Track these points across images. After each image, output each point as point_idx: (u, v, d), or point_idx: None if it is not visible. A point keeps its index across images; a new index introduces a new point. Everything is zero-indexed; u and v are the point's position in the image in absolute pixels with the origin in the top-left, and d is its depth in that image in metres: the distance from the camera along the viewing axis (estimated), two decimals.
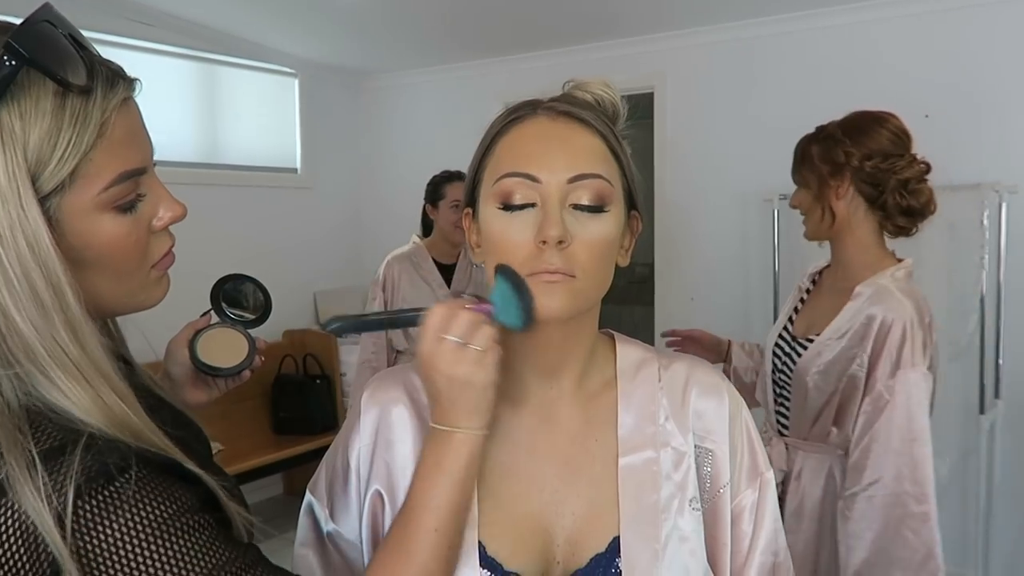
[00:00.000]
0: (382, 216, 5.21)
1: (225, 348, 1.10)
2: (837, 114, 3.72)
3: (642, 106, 4.15)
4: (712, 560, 0.87)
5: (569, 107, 0.85)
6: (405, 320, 0.81)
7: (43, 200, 0.69)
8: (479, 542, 0.83)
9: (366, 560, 0.88)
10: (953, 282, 3.30)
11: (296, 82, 4.90)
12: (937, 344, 1.86)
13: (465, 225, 0.91)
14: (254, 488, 4.26)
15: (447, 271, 3.21)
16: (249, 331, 1.15)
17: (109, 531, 0.65)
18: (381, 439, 0.89)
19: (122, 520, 0.66)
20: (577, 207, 0.81)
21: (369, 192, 5.31)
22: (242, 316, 1.15)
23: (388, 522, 0.86)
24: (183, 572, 0.67)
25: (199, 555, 0.68)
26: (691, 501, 0.86)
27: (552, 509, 0.85)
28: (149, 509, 0.67)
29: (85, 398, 0.69)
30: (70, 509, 0.64)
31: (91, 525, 0.65)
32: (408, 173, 5.18)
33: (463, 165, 0.90)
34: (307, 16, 3.97)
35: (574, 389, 0.90)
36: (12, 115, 0.67)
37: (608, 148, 0.85)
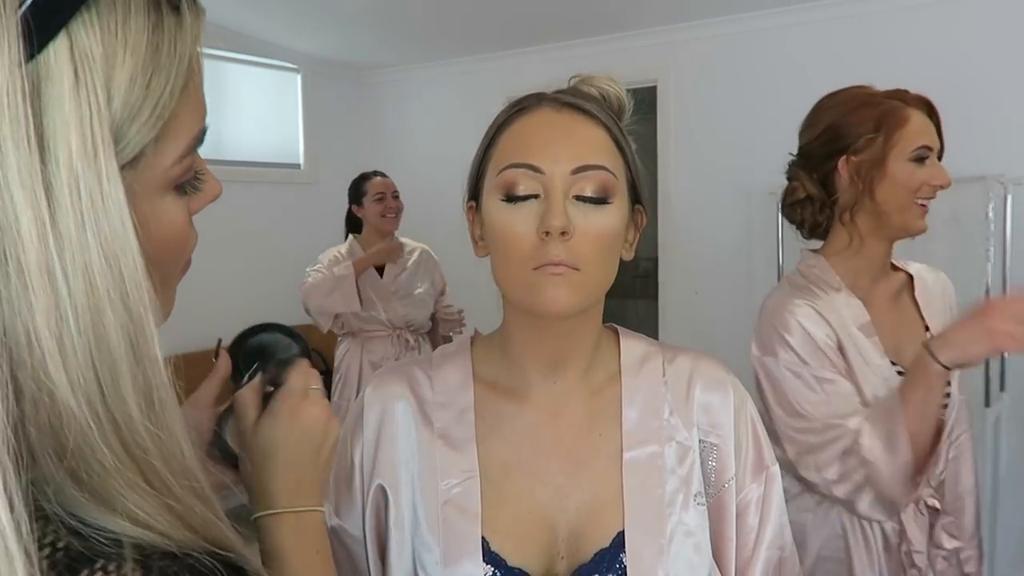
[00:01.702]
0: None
1: None
2: None
3: (646, 100, 4.14)
4: (717, 555, 0.87)
5: (573, 99, 0.84)
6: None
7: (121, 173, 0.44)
8: (482, 537, 0.83)
9: (369, 555, 0.88)
10: (958, 275, 3.26)
11: (299, 78, 4.89)
12: None
13: (469, 219, 0.90)
14: None
15: (379, 267, 3.44)
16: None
17: None
18: (384, 435, 0.89)
19: None
20: (581, 198, 0.80)
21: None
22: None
23: (391, 516, 0.86)
24: None
25: None
26: (696, 496, 0.85)
27: (556, 504, 0.85)
28: None
29: (162, 514, 0.43)
30: None
31: None
32: (411, 168, 5.18)
33: (466, 159, 0.90)
34: (310, 12, 3.97)
35: (578, 384, 0.89)
36: (91, 36, 0.42)
37: (612, 140, 0.84)
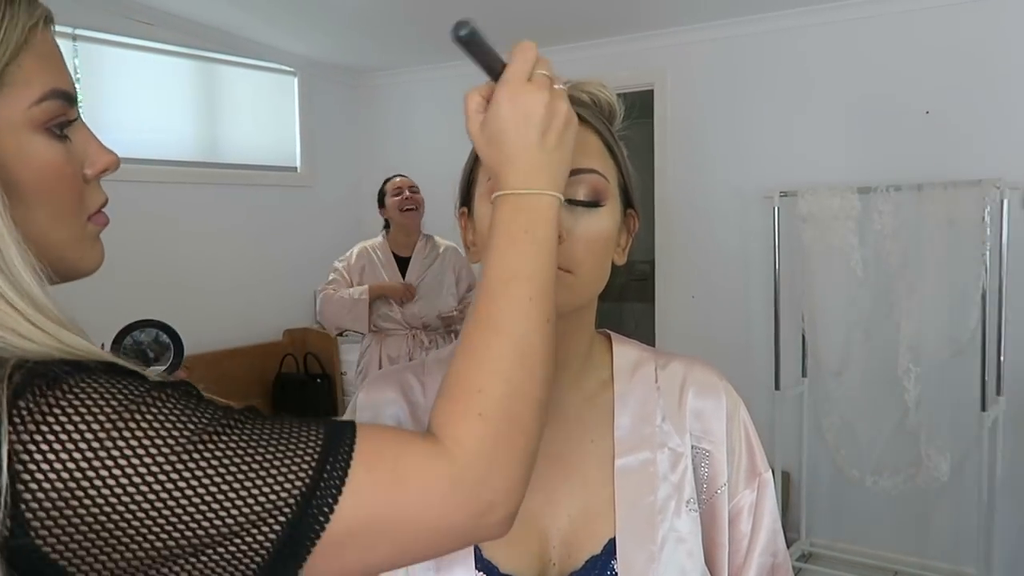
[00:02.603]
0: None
1: None
2: (837, 110, 3.75)
3: (642, 103, 4.14)
4: (710, 561, 0.87)
5: None
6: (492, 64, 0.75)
7: None
8: (474, 545, 0.83)
9: None
10: (954, 279, 3.29)
11: (295, 80, 4.89)
12: None
13: (461, 225, 0.90)
14: None
15: (403, 262, 3.66)
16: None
17: (59, 424, 0.53)
18: None
19: (77, 406, 0.54)
20: (573, 202, 0.80)
21: (369, 190, 5.28)
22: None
23: None
24: (164, 439, 0.55)
25: (177, 419, 0.57)
26: (688, 502, 0.85)
27: (548, 510, 0.85)
28: (110, 391, 0.56)
29: (26, 329, 0.59)
30: (5, 420, 0.52)
31: (34, 420, 0.53)
32: (408, 170, 5.17)
33: (463, 162, 0.90)
34: (306, 14, 3.97)
35: (570, 390, 0.89)
36: None
37: (604, 144, 0.85)
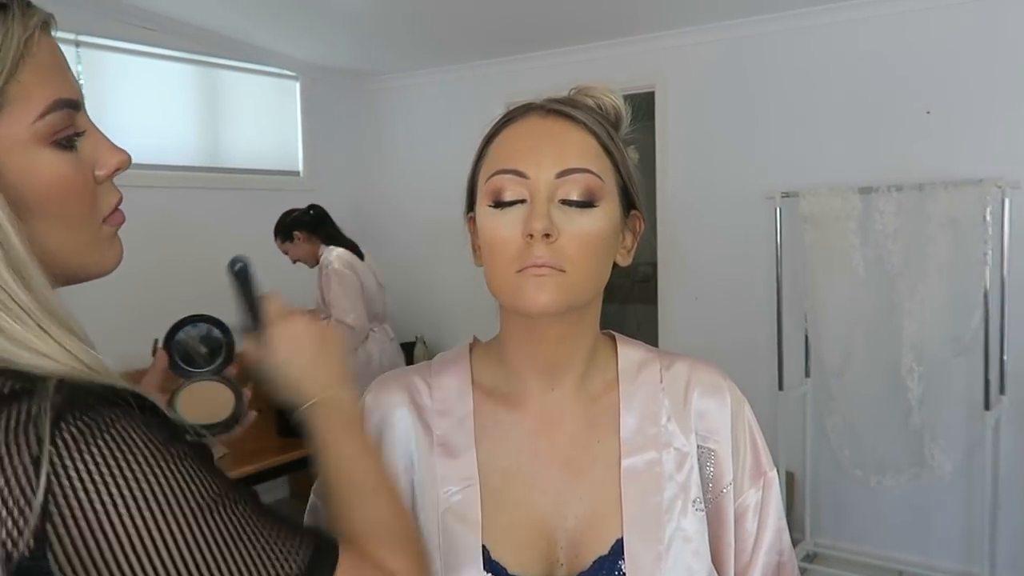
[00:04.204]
0: (385, 218, 5.22)
1: (208, 402, 0.95)
2: (838, 111, 3.75)
3: (644, 105, 4.15)
4: (716, 560, 0.87)
5: (560, 106, 0.85)
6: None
7: None
8: (482, 546, 0.83)
9: None
10: (956, 278, 3.29)
11: (298, 85, 4.90)
12: None
13: (469, 230, 0.91)
14: (259, 491, 4.27)
15: None
16: (234, 380, 0.97)
17: (101, 457, 0.56)
18: (384, 442, 0.90)
19: (119, 443, 0.57)
20: (566, 202, 0.81)
21: (372, 194, 5.31)
22: (204, 367, 0.96)
23: None
24: (182, 498, 0.59)
25: (193, 482, 0.61)
26: (694, 502, 0.86)
27: (555, 511, 0.86)
28: (147, 436, 0.59)
29: (44, 344, 0.61)
30: (47, 439, 0.55)
31: (77, 447, 0.56)
32: (411, 175, 5.19)
33: (466, 165, 0.91)
34: (308, 19, 3.98)
35: (575, 391, 0.90)
36: None
37: (600, 145, 0.85)
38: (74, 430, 0.56)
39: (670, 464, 0.86)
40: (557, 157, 0.81)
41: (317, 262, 3.94)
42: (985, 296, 3.22)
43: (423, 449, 0.88)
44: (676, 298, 4.25)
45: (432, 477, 0.87)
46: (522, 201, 0.81)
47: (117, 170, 0.72)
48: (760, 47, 3.89)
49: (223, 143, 4.49)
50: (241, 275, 0.86)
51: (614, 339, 0.96)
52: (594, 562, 0.83)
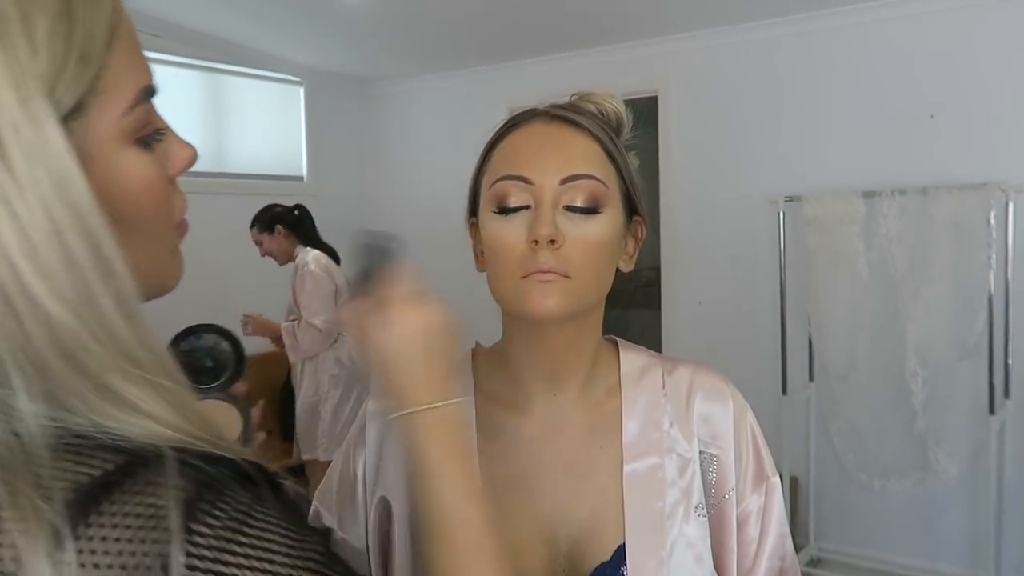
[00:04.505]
0: (389, 223, 5.22)
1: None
2: (842, 115, 3.75)
3: (647, 110, 4.15)
4: (718, 566, 0.87)
5: (564, 111, 0.86)
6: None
7: (63, 123, 0.48)
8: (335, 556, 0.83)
9: (373, 568, 0.89)
10: (960, 282, 3.29)
11: (301, 90, 4.91)
12: None
13: (472, 236, 0.91)
14: None
15: None
16: (242, 398, 0.89)
17: (236, 552, 0.46)
18: (387, 449, 0.90)
19: (252, 537, 0.47)
20: (570, 208, 0.81)
21: (376, 199, 5.32)
22: (209, 383, 0.87)
23: (395, 530, 0.86)
24: None
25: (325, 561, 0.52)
26: (696, 507, 0.86)
27: (557, 516, 0.86)
28: (277, 526, 0.49)
29: (153, 403, 0.49)
30: (180, 539, 0.44)
31: (216, 547, 0.45)
32: (414, 179, 5.20)
33: (469, 170, 0.91)
34: (312, 24, 3.99)
35: (578, 396, 0.90)
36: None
37: (604, 151, 0.85)
38: (212, 524, 0.46)
39: (672, 470, 0.86)
40: (562, 163, 0.82)
41: (288, 260, 3.96)
42: (989, 300, 3.21)
43: None
44: (680, 303, 4.25)
45: None
46: (527, 207, 0.81)
47: (187, 167, 0.63)
48: (763, 52, 3.89)
49: (227, 148, 4.50)
50: (380, 253, 0.73)
51: (616, 344, 0.96)
52: (596, 568, 0.83)
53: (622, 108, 0.90)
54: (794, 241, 3.70)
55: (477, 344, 0.98)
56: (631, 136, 0.91)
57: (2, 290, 0.44)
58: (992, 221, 3.16)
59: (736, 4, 3.64)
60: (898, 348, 3.39)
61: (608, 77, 4.12)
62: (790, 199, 3.67)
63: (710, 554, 0.86)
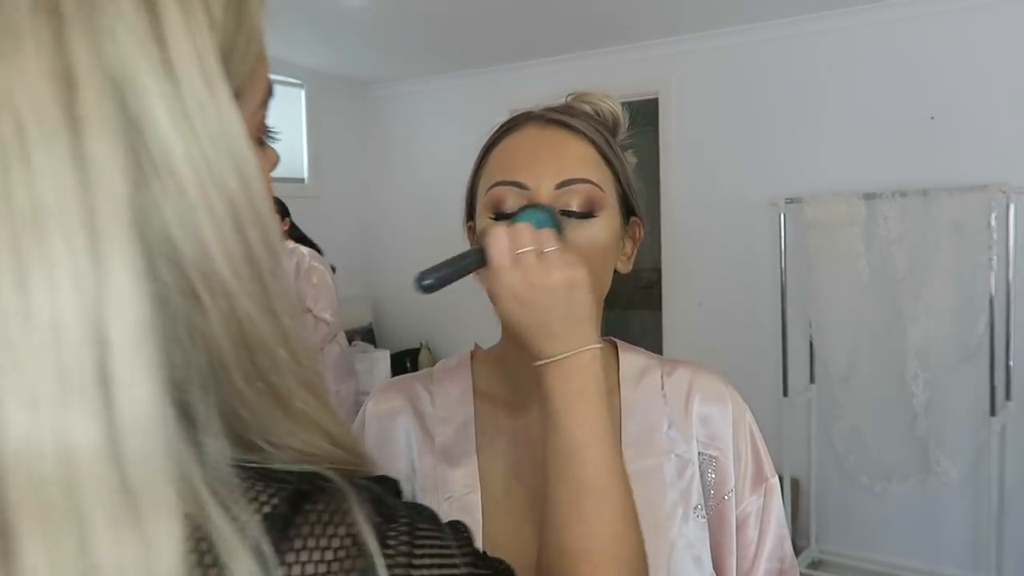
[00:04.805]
0: (390, 225, 5.23)
1: None
2: (842, 117, 3.75)
3: (647, 112, 4.16)
4: (718, 567, 0.87)
5: (559, 115, 0.86)
6: (472, 261, 0.72)
7: None
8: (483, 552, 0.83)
9: None
10: (961, 284, 3.29)
11: (302, 92, 4.92)
12: None
13: (469, 239, 0.91)
14: None
15: None
16: None
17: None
18: (386, 450, 0.90)
19: (434, 559, 0.46)
20: (567, 212, 0.81)
21: (376, 201, 5.32)
22: None
23: None
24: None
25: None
26: (695, 508, 0.86)
27: None
28: (449, 546, 0.48)
29: (326, 414, 0.47)
30: (381, 562, 0.42)
31: (406, 566, 0.44)
32: (416, 181, 5.20)
33: (469, 172, 0.92)
34: (313, 27, 4.00)
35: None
36: None
37: (599, 154, 0.85)
38: (395, 542, 0.44)
39: (671, 471, 0.86)
40: (557, 168, 0.82)
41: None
42: (990, 301, 3.21)
43: (424, 456, 0.88)
44: (680, 304, 4.25)
45: (433, 484, 0.87)
46: None
47: (274, 170, 0.61)
48: (764, 53, 3.89)
49: None
50: (432, 286, 0.73)
51: (615, 346, 0.96)
52: None
53: (618, 108, 0.90)
54: (795, 243, 3.70)
55: (476, 346, 0.98)
56: (628, 135, 0.91)
57: (190, 282, 0.40)
58: (993, 223, 3.16)
59: (737, 6, 3.64)
60: (899, 350, 3.39)
61: (609, 79, 4.12)
62: (791, 201, 3.67)
63: (709, 555, 0.86)
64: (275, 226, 0.45)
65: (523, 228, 0.71)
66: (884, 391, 3.51)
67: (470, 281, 0.92)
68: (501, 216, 0.82)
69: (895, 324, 3.42)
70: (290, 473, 0.44)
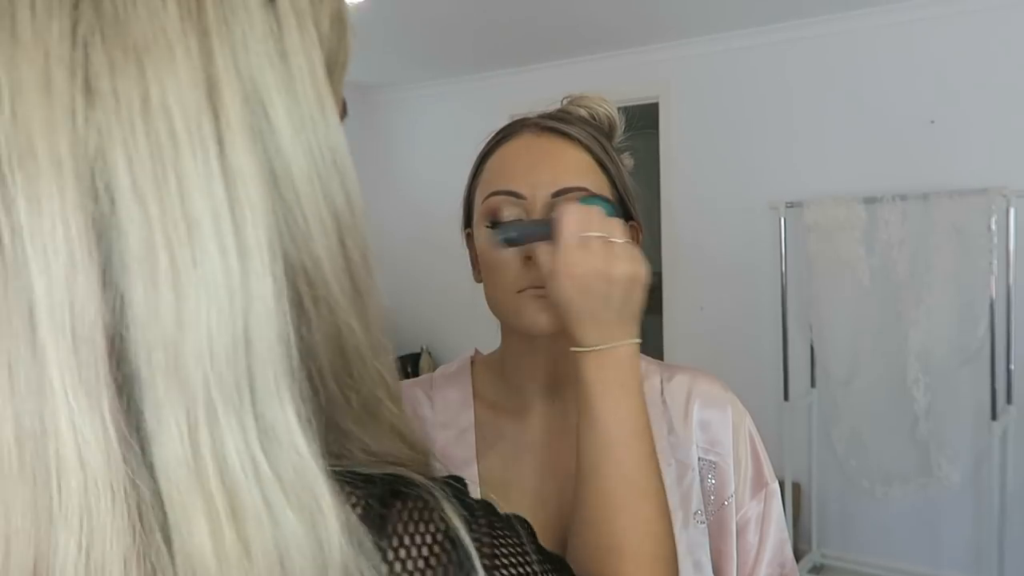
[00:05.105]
0: (391, 229, 5.23)
1: None
2: (842, 120, 3.75)
3: (647, 116, 4.16)
4: (718, 573, 0.87)
5: (554, 123, 0.85)
6: (541, 231, 0.73)
7: None
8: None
9: None
10: (962, 288, 3.29)
11: None
12: None
13: (468, 246, 0.91)
14: None
15: None
16: None
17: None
18: None
19: (511, 555, 0.47)
20: None
21: (377, 205, 5.31)
22: None
23: None
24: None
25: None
26: (695, 514, 0.86)
27: (557, 524, 0.85)
28: (524, 546, 0.49)
29: (410, 427, 0.48)
30: (478, 561, 0.44)
31: (492, 568, 0.45)
32: (416, 185, 5.20)
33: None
34: None
35: (577, 403, 0.90)
36: None
37: (595, 160, 0.85)
38: (484, 540, 0.45)
39: (671, 476, 0.86)
40: (552, 176, 0.82)
41: None
42: (991, 305, 3.21)
43: None
44: (681, 308, 4.25)
45: None
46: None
47: None
48: (764, 58, 3.89)
49: None
50: (513, 240, 0.75)
51: None
52: None
53: (614, 111, 0.90)
54: (795, 247, 3.70)
55: (476, 352, 0.98)
56: (626, 138, 0.91)
57: (299, 293, 0.41)
58: (993, 226, 3.16)
59: (736, 11, 3.64)
60: (900, 354, 3.39)
61: (609, 83, 4.12)
62: (791, 205, 3.67)
63: (709, 561, 0.86)
64: (371, 241, 0.47)
65: (596, 212, 0.71)
66: (885, 395, 3.51)
67: (471, 284, 0.92)
68: (498, 225, 0.82)
69: (896, 328, 3.42)
70: (374, 475, 0.44)
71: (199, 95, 0.37)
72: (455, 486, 0.48)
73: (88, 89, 0.35)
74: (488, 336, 0.99)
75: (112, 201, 0.35)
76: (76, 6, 0.36)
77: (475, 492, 0.84)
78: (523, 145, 0.85)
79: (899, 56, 3.55)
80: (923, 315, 3.34)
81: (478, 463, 0.87)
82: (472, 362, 0.96)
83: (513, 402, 0.90)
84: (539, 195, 0.81)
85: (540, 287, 0.78)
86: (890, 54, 3.57)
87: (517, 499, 0.86)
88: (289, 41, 0.41)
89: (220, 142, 0.37)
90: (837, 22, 3.65)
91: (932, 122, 3.49)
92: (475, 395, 0.92)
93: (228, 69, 0.38)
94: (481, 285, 0.87)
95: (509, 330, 0.88)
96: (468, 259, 0.92)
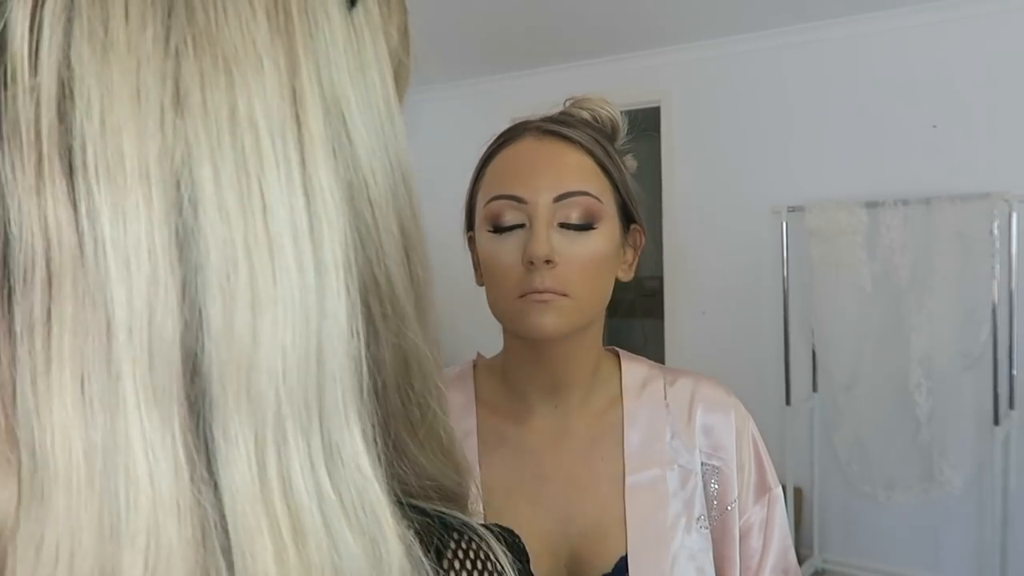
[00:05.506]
0: None
1: None
2: (844, 125, 3.75)
3: (650, 119, 4.16)
4: None
5: (555, 126, 0.85)
6: None
7: None
8: None
9: None
10: (964, 292, 3.28)
11: None
12: None
13: (470, 249, 0.91)
14: None
15: None
16: None
17: None
18: None
19: None
20: (565, 225, 0.81)
21: None
22: None
23: None
24: None
25: None
26: (699, 519, 0.85)
27: (559, 528, 0.85)
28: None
29: (458, 447, 0.48)
30: None
31: None
32: (418, 189, 5.18)
33: (468, 182, 0.91)
34: None
35: (579, 408, 0.89)
36: None
37: (597, 164, 0.85)
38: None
39: (674, 481, 0.86)
40: (554, 181, 0.81)
41: None
42: (993, 310, 3.20)
43: None
44: (683, 312, 4.25)
45: None
46: (521, 226, 0.81)
47: None
48: (766, 62, 3.90)
49: None
50: None
51: (618, 355, 0.95)
52: None
53: (616, 113, 0.90)
54: (797, 251, 3.69)
55: (479, 355, 0.98)
56: (629, 140, 0.91)
57: (370, 309, 0.40)
58: (995, 231, 3.15)
59: (738, 15, 3.64)
60: (902, 359, 3.38)
61: (611, 87, 4.12)
62: (793, 209, 3.66)
63: (712, 566, 0.85)
64: (426, 251, 0.46)
65: None
66: (887, 400, 3.50)
67: (473, 288, 0.92)
68: (500, 229, 0.82)
69: (898, 333, 3.41)
70: (427, 510, 0.43)
71: (284, 108, 0.36)
72: (505, 536, 0.47)
73: (178, 99, 0.35)
74: (491, 340, 0.99)
75: (195, 214, 0.34)
76: (169, 14, 0.35)
77: (476, 499, 0.84)
78: (525, 149, 0.85)
79: (901, 60, 3.55)
80: (925, 320, 3.33)
81: (480, 468, 0.87)
82: (475, 366, 0.96)
83: (515, 407, 0.90)
84: (541, 200, 0.81)
85: (542, 291, 0.78)
86: (892, 58, 3.57)
87: (518, 504, 0.86)
88: (365, 54, 0.40)
89: (303, 156, 0.37)
90: (840, 26, 3.66)
91: (934, 126, 3.49)
92: (477, 399, 0.92)
93: (312, 82, 0.37)
94: (483, 289, 0.87)
95: (511, 334, 0.88)
96: (470, 262, 0.91)
